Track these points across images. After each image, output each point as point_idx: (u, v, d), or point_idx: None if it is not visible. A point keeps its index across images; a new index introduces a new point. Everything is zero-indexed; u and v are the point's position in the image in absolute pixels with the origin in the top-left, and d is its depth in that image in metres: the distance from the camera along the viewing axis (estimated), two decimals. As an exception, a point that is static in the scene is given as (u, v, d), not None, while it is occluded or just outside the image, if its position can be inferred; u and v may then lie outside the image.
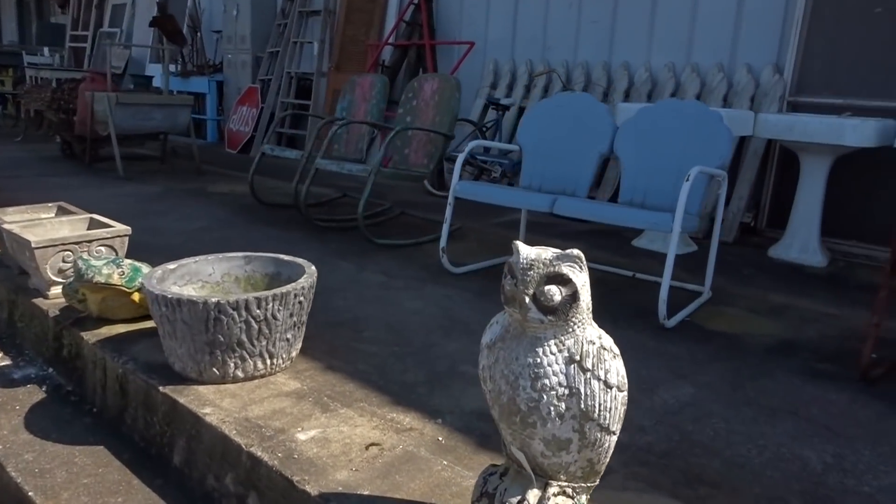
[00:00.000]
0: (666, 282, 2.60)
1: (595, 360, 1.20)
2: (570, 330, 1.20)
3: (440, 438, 1.78)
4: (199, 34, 8.90)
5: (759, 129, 3.87)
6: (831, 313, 3.01)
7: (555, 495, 1.28)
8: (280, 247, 3.63)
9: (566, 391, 1.20)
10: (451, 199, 3.19)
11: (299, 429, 1.80)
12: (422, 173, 3.96)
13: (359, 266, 3.39)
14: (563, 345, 1.21)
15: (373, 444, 1.74)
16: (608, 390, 1.21)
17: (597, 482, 1.32)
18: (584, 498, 1.32)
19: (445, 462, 1.67)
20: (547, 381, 1.20)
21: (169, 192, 5.22)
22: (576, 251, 1.19)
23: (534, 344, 1.22)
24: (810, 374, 2.31)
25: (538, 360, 1.21)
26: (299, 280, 2.12)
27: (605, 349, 1.21)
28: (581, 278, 1.19)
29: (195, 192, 5.27)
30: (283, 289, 2.02)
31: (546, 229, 4.52)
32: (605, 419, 1.22)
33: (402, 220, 4.57)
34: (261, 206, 4.73)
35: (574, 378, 1.20)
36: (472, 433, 1.82)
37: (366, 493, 1.54)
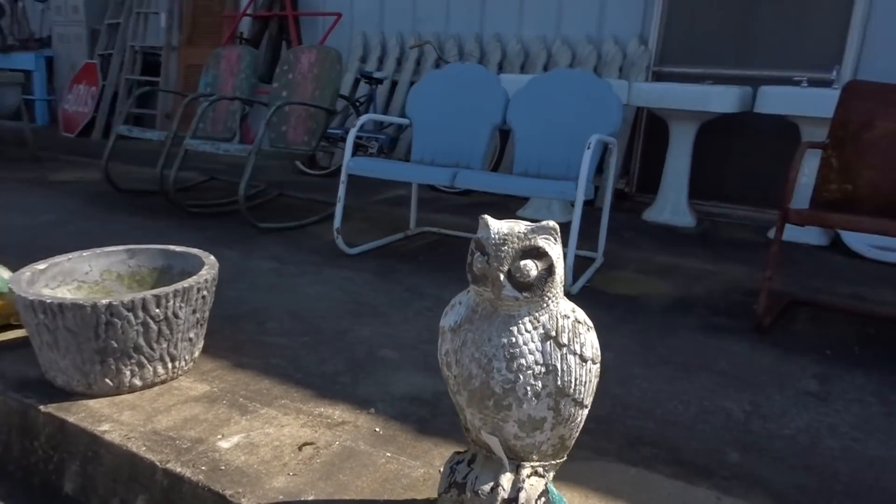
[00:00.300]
0: (571, 249, 2.62)
1: (570, 334, 1.15)
2: (545, 305, 1.14)
3: (377, 429, 1.67)
4: (19, 3, 7.93)
5: (634, 98, 4.01)
6: (710, 269, 3.19)
7: (528, 476, 1.22)
8: (151, 237, 3.31)
9: (542, 369, 1.14)
10: (343, 177, 3.04)
11: (219, 436, 1.62)
12: (304, 151, 3.75)
13: (245, 253, 3.16)
14: (538, 321, 1.14)
15: (306, 444, 1.60)
16: (584, 364, 1.16)
17: (565, 458, 1.28)
18: (552, 475, 1.27)
19: (388, 454, 1.57)
20: (523, 361, 1.13)
21: (1, 183, 4.62)
22: (551, 223, 1.12)
23: (507, 323, 1.14)
24: (710, 329, 2.42)
25: (513, 339, 1.13)
26: (200, 272, 1.91)
27: (579, 322, 1.16)
28: (556, 251, 1.12)
29: (34, 181, 4.70)
30: (185, 283, 1.81)
31: (430, 204, 4.46)
32: (579, 394, 1.17)
33: (282, 202, 4.33)
34: (118, 194, 4.30)
35: (550, 355, 1.14)
36: (409, 420, 1.72)
37: (310, 498, 1.41)
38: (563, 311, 1.16)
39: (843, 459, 1.60)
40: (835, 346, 2.29)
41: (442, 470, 1.48)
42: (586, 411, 1.22)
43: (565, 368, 1.14)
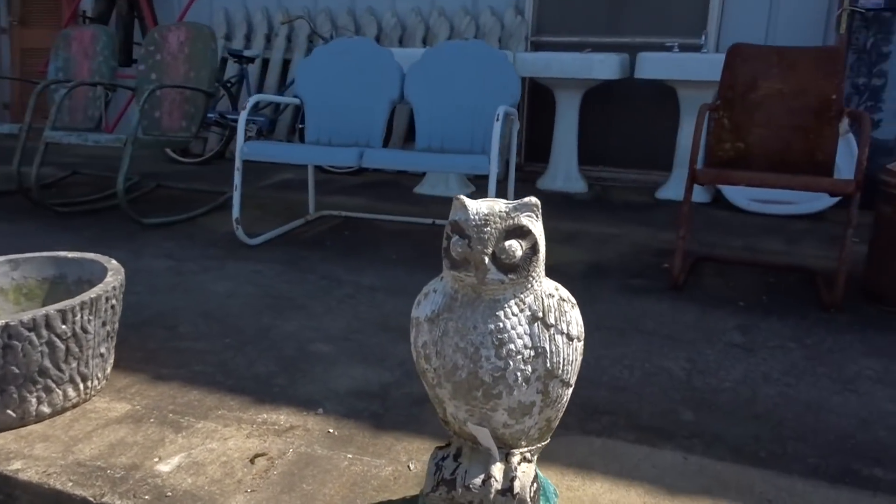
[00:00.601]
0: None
1: (557, 313, 1.11)
2: (529, 286, 1.09)
3: (330, 430, 1.57)
4: None
5: (519, 68, 4.04)
6: (614, 233, 3.29)
7: (519, 464, 1.18)
8: (18, 243, 2.95)
9: (531, 353, 1.09)
10: (238, 164, 2.84)
11: (156, 459, 1.46)
12: (184, 138, 3.47)
13: (133, 253, 2.89)
14: (524, 303, 1.09)
15: (258, 456, 1.48)
16: (570, 343, 1.13)
17: (548, 439, 1.25)
18: (536, 458, 1.24)
19: (349, 455, 1.48)
20: (513, 346, 1.08)
21: None
22: (532, 199, 1.07)
23: (493, 308, 1.08)
24: (630, 291, 2.49)
25: (500, 324, 1.08)
26: (106, 279, 1.70)
27: (564, 300, 1.12)
28: (538, 228, 1.07)
29: None
30: (92, 293, 1.61)
31: (321, 186, 4.30)
32: (567, 373, 1.14)
33: (161, 194, 4.01)
34: (-34, 196, 3.81)
35: (539, 337, 1.09)
36: (362, 416, 1.63)
37: (276, 515, 1.30)
38: (547, 290, 1.11)
39: (784, 406, 1.69)
40: (745, 297, 2.42)
41: (411, 467, 1.41)
42: (571, 390, 1.20)
43: (553, 349, 1.11)
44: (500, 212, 1.05)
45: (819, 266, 2.75)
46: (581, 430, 1.58)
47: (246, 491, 1.36)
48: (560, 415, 1.21)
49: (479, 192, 4.15)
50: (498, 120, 2.55)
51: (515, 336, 1.08)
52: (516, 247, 1.05)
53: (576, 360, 1.15)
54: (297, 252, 2.90)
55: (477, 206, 1.06)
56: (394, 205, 3.79)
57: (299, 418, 1.62)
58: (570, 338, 1.13)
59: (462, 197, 1.08)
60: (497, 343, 1.08)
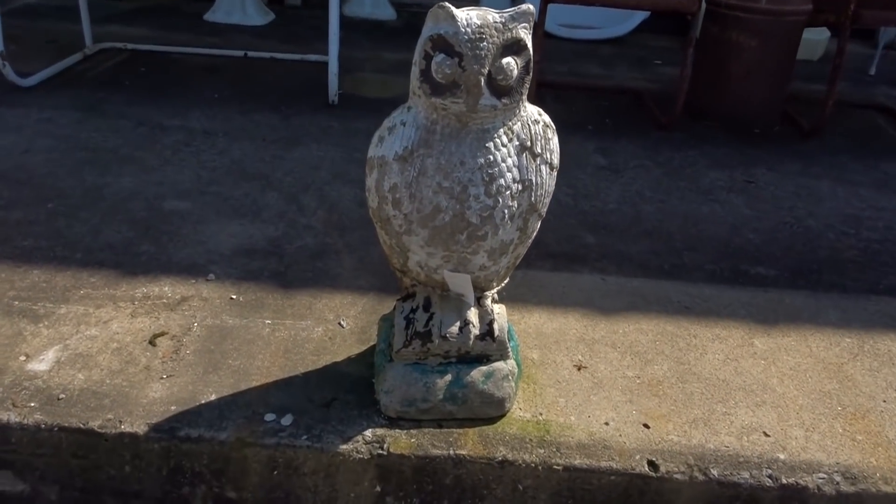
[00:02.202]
0: (333, 56, 2.34)
1: (543, 141, 1.00)
2: (517, 112, 0.97)
3: (233, 296, 1.38)
4: None
5: None
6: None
7: (492, 305, 1.12)
8: None
9: (519, 187, 0.99)
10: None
11: (22, 358, 1.18)
12: None
13: None
14: (513, 132, 0.97)
15: (157, 336, 1.25)
16: (552, 173, 1.04)
17: (508, 278, 1.19)
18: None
19: (268, 321, 1.31)
20: (503, 181, 0.97)
21: None
22: (528, 6, 0.91)
23: (481, 139, 0.95)
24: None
25: (490, 157, 0.95)
26: None
27: (547, 126, 1.02)
28: (530, 41, 0.93)
29: None
30: None
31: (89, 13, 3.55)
32: (545, 206, 1.06)
33: None
34: None
35: (526, 169, 0.99)
36: (262, 277, 1.45)
37: (213, 398, 1.12)
38: (532, 115, 1.00)
39: (666, 220, 1.79)
40: (591, 121, 2.49)
41: (344, 325, 1.29)
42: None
43: (538, 182, 1.01)
44: (495, 23, 0.89)
45: (640, 87, 2.90)
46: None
47: (161, 377, 1.15)
48: (525, 251, 1.15)
49: (280, 18, 3.72)
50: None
51: (505, 169, 0.97)
52: (513, 65, 0.91)
53: (552, 191, 1.07)
54: (92, 94, 2.40)
55: (467, 17, 0.89)
56: (187, 35, 3.26)
57: (189, 287, 1.39)
58: (552, 168, 1.04)
59: (446, 5, 0.89)
60: (487, 179, 0.96)
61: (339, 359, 1.23)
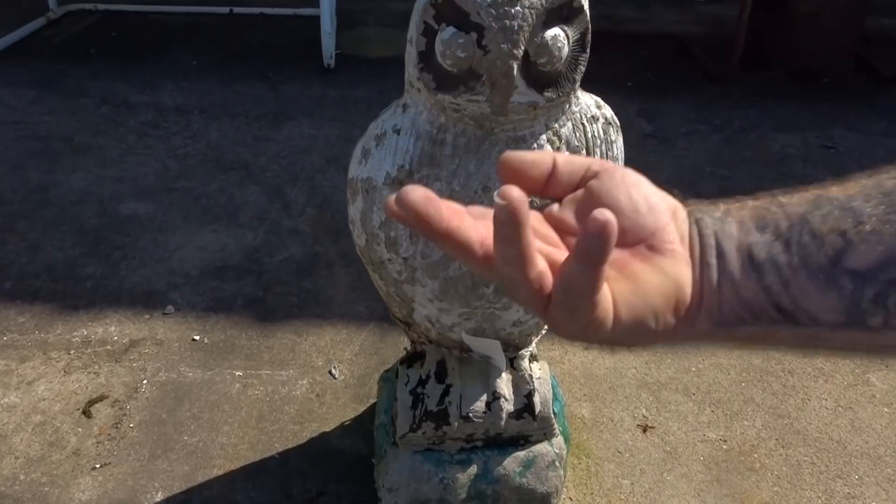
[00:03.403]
0: (326, 9, 1.98)
1: (604, 147, 0.68)
2: (566, 108, 0.64)
3: (195, 337, 1.09)
4: None
5: None
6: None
7: (530, 367, 0.82)
8: None
9: (569, 216, 0.68)
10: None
11: (-84, 443, 0.90)
12: None
13: None
14: (560, 138, 0.65)
15: (94, 402, 0.97)
16: (614, 189, 0.72)
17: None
18: (531, 347, 0.88)
19: (239, 373, 1.02)
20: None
21: None
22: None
23: (513, 153, 0.63)
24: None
25: (527, 179, 0.63)
26: None
27: (610, 125, 0.69)
28: (587, 1, 0.60)
29: None
30: None
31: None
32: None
33: None
34: None
35: (580, 190, 0.67)
36: (235, 307, 1.15)
37: (158, 498, 0.84)
38: (588, 110, 0.67)
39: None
40: (629, 76, 2.12)
41: (335, 374, 0.99)
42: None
43: (597, 204, 0.70)
44: (533, -25, 0.56)
45: (684, 32, 2.51)
46: (529, 275, 1.23)
47: (94, 467, 0.87)
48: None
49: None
50: None
51: (549, 195, 0.65)
52: (563, 40, 0.58)
53: (612, 211, 0.75)
54: (52, 67, 2.08)
55: (489, -33, 0.56)
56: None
57: (140, 326, 1.10)
58: (614, 182, 0.71)
59: (457, -51, 0.56)
60: (523, 211, 0.64)
61: (328, 427, 0.94)
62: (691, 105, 1.90)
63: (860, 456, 0.91)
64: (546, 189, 0.31)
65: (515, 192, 0.24)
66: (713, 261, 0.30)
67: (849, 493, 0.86)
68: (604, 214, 0.24)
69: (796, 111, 1.88)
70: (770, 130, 1.77)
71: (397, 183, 0.65)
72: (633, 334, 0.30)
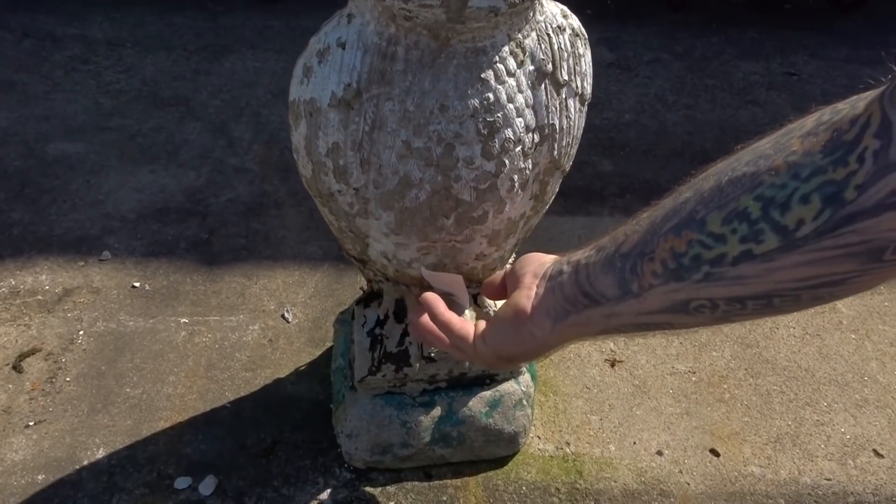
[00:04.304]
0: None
1: (572, 61, 0.62)
2: (529, 16, 0.58)
3: (136, 283, 1.01)
4: None
5: None
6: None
7: (493, 301, 0.77)
8: None
9: (536, 137, 0.62)
10: None
11: None
12: None
13: None
14: (524, 50, 0.58)
15: (25, 356, 0.90)
16: (583, 109, 0.66)
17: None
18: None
19: (184, 319, 0.96)
20: (510, 133, 0.59)
21: None
22: None
23: (474, 66, 0.56)
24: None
25: (490, 95, 0.57)
26: None
27: (577, 36, 0.63)
28: None
29: None
30: None
31: None
32: (570, 158, 0.69)
33: None
34: None
35: (547, 107, 0.61)
36: (177, 250, 1.08)
37: (99, 455, 0.78)
38: (553, 18, 0.61)
39: (698, 133, 1.42)
40: (588, 2, 2.04)
41: (289, 317, 0.93)
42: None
43: (565, 125, 0.64)
44: None
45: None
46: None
47: (27, 425, 0.81)
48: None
49: None
50: None
51: (514, 113, 0.59)
52: (527, -67, 0.51)
53: (581, 133, 0.70)
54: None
55: None
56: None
57: (75, 273, 1.02)
58: (583, 101, 0.66)
59: None
60: (486, 132, 0.58)
61: (283, 373, 0.89)
62: (653, 33, 1.84)
63: (828, 383, 0.90)
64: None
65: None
66: (545, 282, 0.46)
67: (818, 420, 0.85)
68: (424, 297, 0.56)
69: (758, 38, 1.83)
70: (732, 58, 1.73)
71: (344, 104, 0.58)
72: (503, 339, 0.48)
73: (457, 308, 0.75)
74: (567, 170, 0.70)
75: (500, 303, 0.78)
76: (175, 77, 1.54)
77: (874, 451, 0.82)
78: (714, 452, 0.81)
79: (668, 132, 1.42)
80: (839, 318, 0.99)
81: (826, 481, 0.78)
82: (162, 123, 1.37)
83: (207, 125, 1.38)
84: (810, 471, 0.79)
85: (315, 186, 0.66)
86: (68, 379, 0.86)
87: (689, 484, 0.78)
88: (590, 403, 0.86)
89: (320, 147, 0.62)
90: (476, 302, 0.76)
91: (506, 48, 0.57)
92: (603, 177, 1.27)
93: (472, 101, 0.57)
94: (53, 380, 0.86)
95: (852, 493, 0.77)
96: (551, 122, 0.62)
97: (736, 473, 0.79)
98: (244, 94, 1.48)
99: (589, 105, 0.67)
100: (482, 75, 0.56)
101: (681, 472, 0.79)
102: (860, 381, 0.90)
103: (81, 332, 0.92)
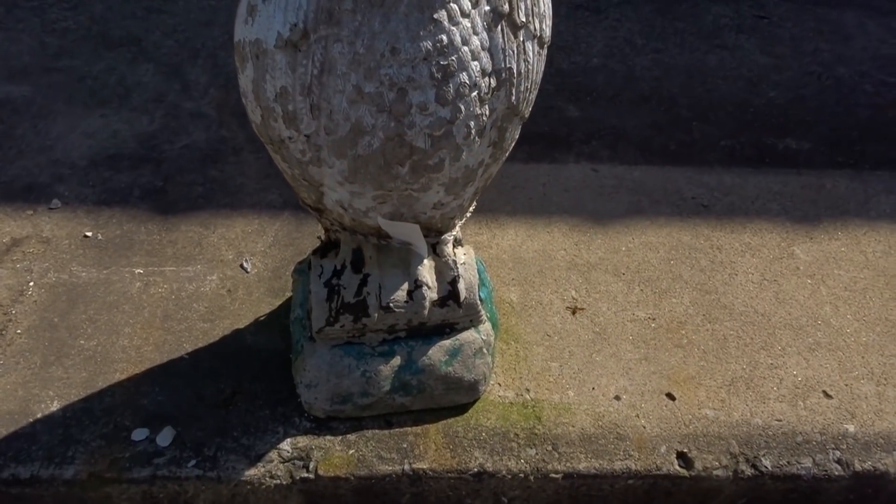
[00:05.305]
0: None
1: (529, 2, 0.60)
2: (486, -50, 0.55)
3: (88, 233, 0.98)
4: None
5: None
6: None
7: (454, 252, 0.76)
8: None
9: (493, 82, 0.60)
10: None
11: None
12: None
13: None
14: (480, -12, 0.56)
15: (-26, 309, 0.87)
16: (542, 52, 0.64)
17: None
18: (457, 231, 0.82)
19: (139, 270, 0.94)
20: (465, 77, 0.57)
21: None
22: None
23: (425, 5, 0.54)
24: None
25: (443, 37, 0.55)
26: None
27: (536, -26, 0.60)
28: None
29: None
30: None
31: None
32: (529, 105, 0.68)
33: None
34: None
35: (503, 51, 0.59)
36: (131, 198, 1.05)
37: (54, 407, 0.77)
38: (511, -44, 0.58)
39: (666, 78, 1.40)
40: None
41: (247, 267, 0.92)
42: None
43: (524, 69, 0.62)
44: None
45: None
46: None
47: (-22, 378, 0.79)
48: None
49: None
50: None
51: (469, 56, 0.57)
52: None
53: (540, 78, 0.68)
54: None
55: None
56: None
57: (23, 223, 0.99)
58: (542, 43, 0.64)
59: None
60: (440, 75, 0.56)
61: (242, 324, 0.88)
62: (623, -27, 1.79)
63: (783, 327, 0.92)
64: None
65: None
66: None
67: (772, 363, 0.87)
68: None
69: (728, -21, 1.80)
70: (702, 0, 1.70)
71: (290, 45, 0.56)
72: None
73: (415, 258, 0.74)
74: (526, 116, 0.69)
75: (458, 252, 0.77)
76: (125, 15, 1.47)
77: (824, 391, 0.84)
78: (670, 396, 0.83)
79: (637, 77, 1.40)
80: (796, 263, 1.01)
81: (776, 422, 0.80)
82: (112, 65, 1.32)
83: (161, 67, 1.32)
84: (762, 412, 0.81)
85: (265, 133, 0.64)
86: (19, 331, 0.84)
87: (644, 427, 0.79)
88: (550, 351, 0.87)
89: (268, 91, 0.59)
90: (435, 251, 0.75)
91: (460, -14, 0.54)
92: (569, 123, 1.26)
93: (425, 43, 0.55)
94: (3, 332, 0.84)
95: (801, 432, 0.80)
96: (508, 65, 0.61)
97: (690, 416, 0.81)
98: (199, 35, 1.42)
99: (556, 49, 0.65)
100: (434, 15, 0.54)
101: (637, 415, 0.80)
102: (814, 325, 0.92)
103: (32, 284, 0.90)
